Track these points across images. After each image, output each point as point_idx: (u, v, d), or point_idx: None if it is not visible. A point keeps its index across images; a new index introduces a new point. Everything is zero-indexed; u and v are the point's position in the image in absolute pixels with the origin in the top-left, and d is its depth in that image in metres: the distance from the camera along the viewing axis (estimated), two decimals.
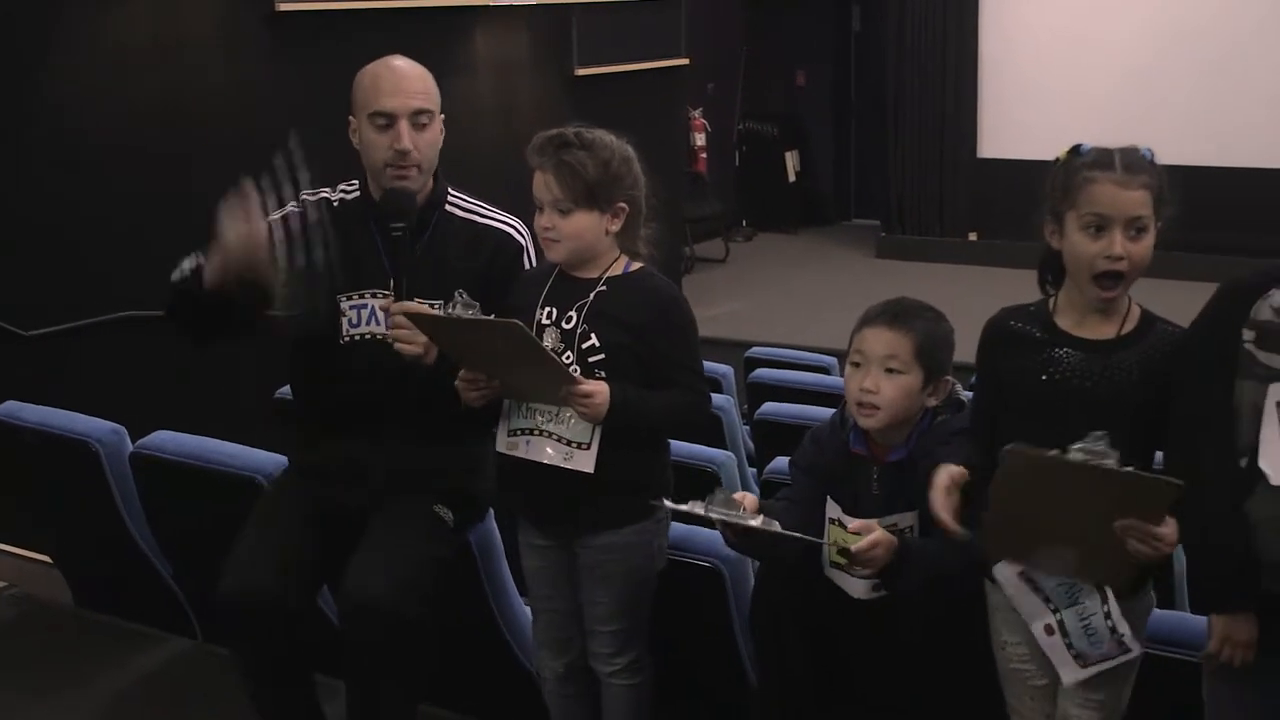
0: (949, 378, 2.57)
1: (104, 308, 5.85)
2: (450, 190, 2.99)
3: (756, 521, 2.41)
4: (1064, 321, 2.41)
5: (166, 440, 3.49)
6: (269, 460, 3.29)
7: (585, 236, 2.68)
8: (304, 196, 2.98)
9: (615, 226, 2.71)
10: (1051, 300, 2.44)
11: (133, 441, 3.56)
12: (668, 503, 2.50)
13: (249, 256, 2.66)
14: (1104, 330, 2.37)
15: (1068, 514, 2.24)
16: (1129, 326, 2.37)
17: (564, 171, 2.63)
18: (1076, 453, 2.12)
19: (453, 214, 2.97)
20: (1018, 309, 2.49)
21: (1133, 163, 2.32)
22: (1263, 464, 2.21)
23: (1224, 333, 2.27)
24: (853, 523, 2.46)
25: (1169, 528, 2.17)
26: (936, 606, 2.54)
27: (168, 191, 6.31)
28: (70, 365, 5.54)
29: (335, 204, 2.99)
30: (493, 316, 2.59)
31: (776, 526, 2.41)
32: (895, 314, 2.57)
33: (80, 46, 6.04)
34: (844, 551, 2.44)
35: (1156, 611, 2.53)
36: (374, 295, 2.90)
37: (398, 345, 2.74)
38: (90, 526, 3.76)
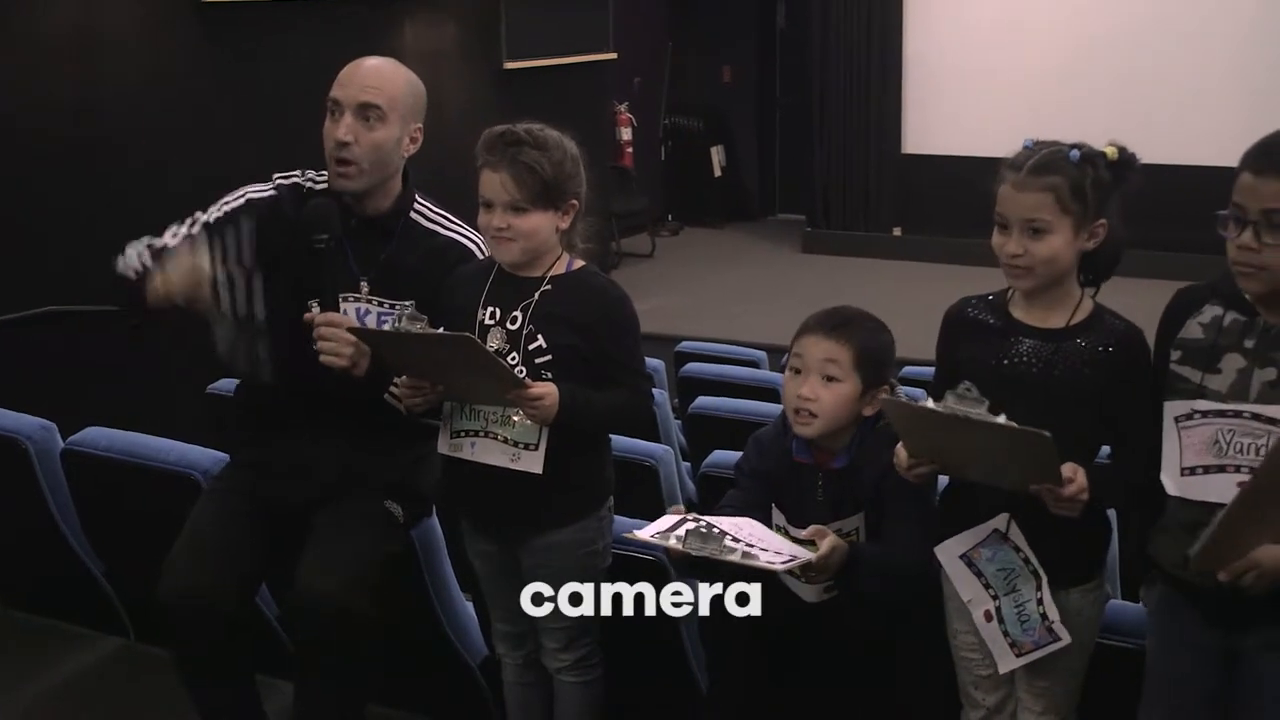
0: (887, 387, 2.58)
1: (29, 301, 5.76)
2: (418, 198, 2.97)
3: (762, 561, 2.31)
4: (1018, 310, 2.47)
5: (99, 437, 3.43)
6: (205, 456, 3.25)
7: (540, 236, 2.66)
8: (278, 181, 2.95)
9: (565, 224, 2.69)
10: (1010, 289, 2.50)
11: (63, 438, 3.51)
12: (639, 534, 2.42)
13: (191, 291, 2.66)
14: (1054, 320, 2.44)
15: (972, 447, 2.33)
16: (1079, 317, 2.43)
17: (520, 171, 2.60)
18: (945, 403, 2.24)
19: (417, 223, 2.94)
20: (978, 298, 2.55)
21: (1042, 164, 2.37)
22: (1164, 479, 2.30)
23: (1161, 352, 2.37)
24: (803, 531, 2.47)
25: (1074, 485, 2.27)
26: (890, 605, 2.57)
27: (91, 184, 6.24)
28: None
29: (305, 190, 2.95)
30: (442, 330, 2.58)
31: (760, 560, 2.32)
32: (835, 323, 2.58)
33: (1, 39, 5.94)
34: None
35: (1111, 602, 2.58)
36: (344, 299, 2.87)
37: (324, 358, 2.72)
38: (19, 525, 3.70)
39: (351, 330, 2.70)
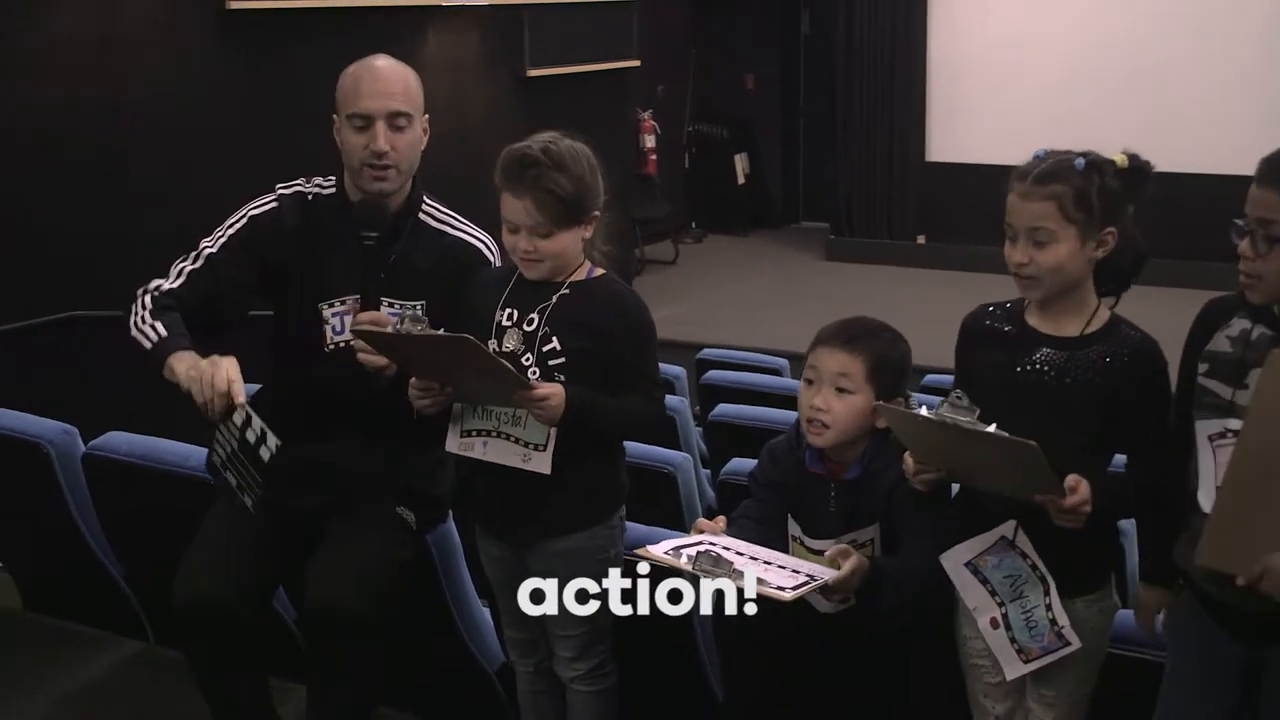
0: (901, 399, 2.56)
1: (53, 307, 5.79)
2: (426, 199, 2.98)
3: (773, 588, 2.27)
4: (1034, 318, 2.46)
5: (119, 441, 3.45)
6: None
7: (567, 252, 2.68)
8: (280, 191, 2.96)
9: (589, 234, 2.71)
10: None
11: (85, 442, 3.52)
12: (651, 550, 2.39)
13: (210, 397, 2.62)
14: (1069, 328, 2.43)
15: (971, 455, 2.32)
16: (1094, 326, 2.42)
17: (542, 197, 2.60)
18: (937, 410, 2.24)
19: (426, 223, 2.96)
20: (995, 305, 2.54)
21: (1047, 173, 2.37)
22: (1200, 496, 2.28)
23: (1189, 364, 2.35)
24: (829, 550, 2.45)
25: (1075, 496, 2.25)
26: (908, 617, 2.55)
27: (113, 190, 6.28)
28: (20, 365, 5.48)
29: (310, 198, 2.97)
30: (443, 331, 2.58)
31: (771, 585, 2.27)
32: (849, 335, 2.57)
33: (23, 44, 5.98)
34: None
35: (1121, 612, 2.57)
36: (354, 300, 2.87)
37: (361, 356, 2.72)
38: (41, 529, 3.72)
39: (355, 332, 2.71)
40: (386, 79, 2.88)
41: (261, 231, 2.92)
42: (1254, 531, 2.09)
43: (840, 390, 2.53)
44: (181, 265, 2.90)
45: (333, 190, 2.96)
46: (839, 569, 2.38)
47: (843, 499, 2.56)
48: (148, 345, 2.72)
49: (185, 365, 2.64)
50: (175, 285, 2.85)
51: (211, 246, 2.91)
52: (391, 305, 2.85)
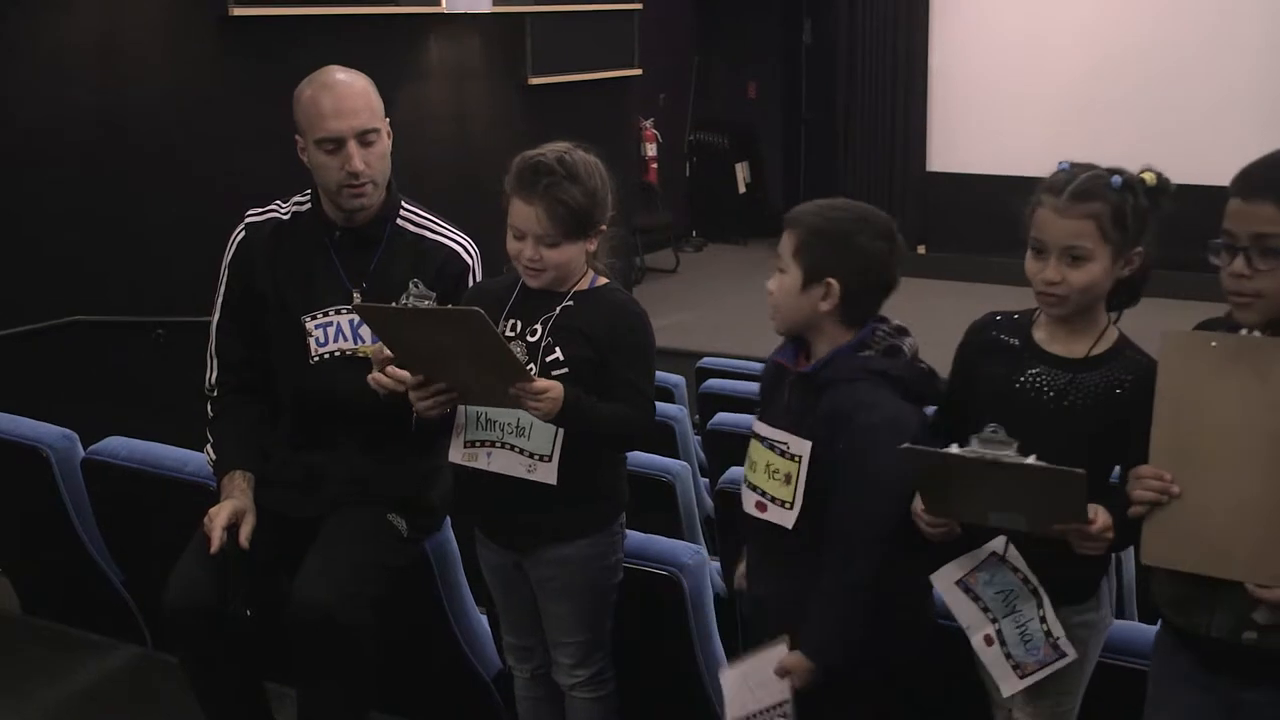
0: (833, 281, 2.42)
1: (54, 312, 5.80)
2: (404, 203, 2.98)
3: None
4: (1040, 334, 2.42)
5: (119, 446, 3.47)
6: None
7: (570, 264, 2.67)
8: (249, 219, 2.99)
9: (594, 247, 2.70)
10: (1037, 311, 2.44)
11: (84, 447, 3.54)
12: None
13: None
14: (1074, 349, 2.38)
15: (993, 490, 2.25)
16: (1100, 348, 2.37)
17: (554, 207, 2.59)
18: (971, 447, 2.17)
19: (404, 228, 2.96)
20: (1004, 314, 2.49)
21: (1084, 190, 2.30)
22: None
23: None
24: (777, 433, 2.43)
25: (1098, 522, 2.20)
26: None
27: (115, 195, 6.29)
28: (20, 370, 5.49)
29: (286, 218, 2.98)
30: (450, 306, 2.57)
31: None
32: (791, 216, 2.50)
33: (27, 48, 5.99)
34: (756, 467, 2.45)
35: (1117, 623, 2.55)
36: (338, 312, 2.90)
37: (372, 378, 2.67)
38: (40, 533, 3.73)
39: (355, 308, 2.72)
40: (348, 96, 2.86)
41: (243, 268, 2.97)
42: (1187, 521, 2.07)
43: (780, 271, 2.49)
44: (209, 348, 3.00)
45: (309, 206, 2.97)
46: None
47: (796, 392, 2.48)
48: (210, 470, 2.98)
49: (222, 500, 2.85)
50: (214, 376, 2.99)
51: (216, 315, 3.00)
52: None
